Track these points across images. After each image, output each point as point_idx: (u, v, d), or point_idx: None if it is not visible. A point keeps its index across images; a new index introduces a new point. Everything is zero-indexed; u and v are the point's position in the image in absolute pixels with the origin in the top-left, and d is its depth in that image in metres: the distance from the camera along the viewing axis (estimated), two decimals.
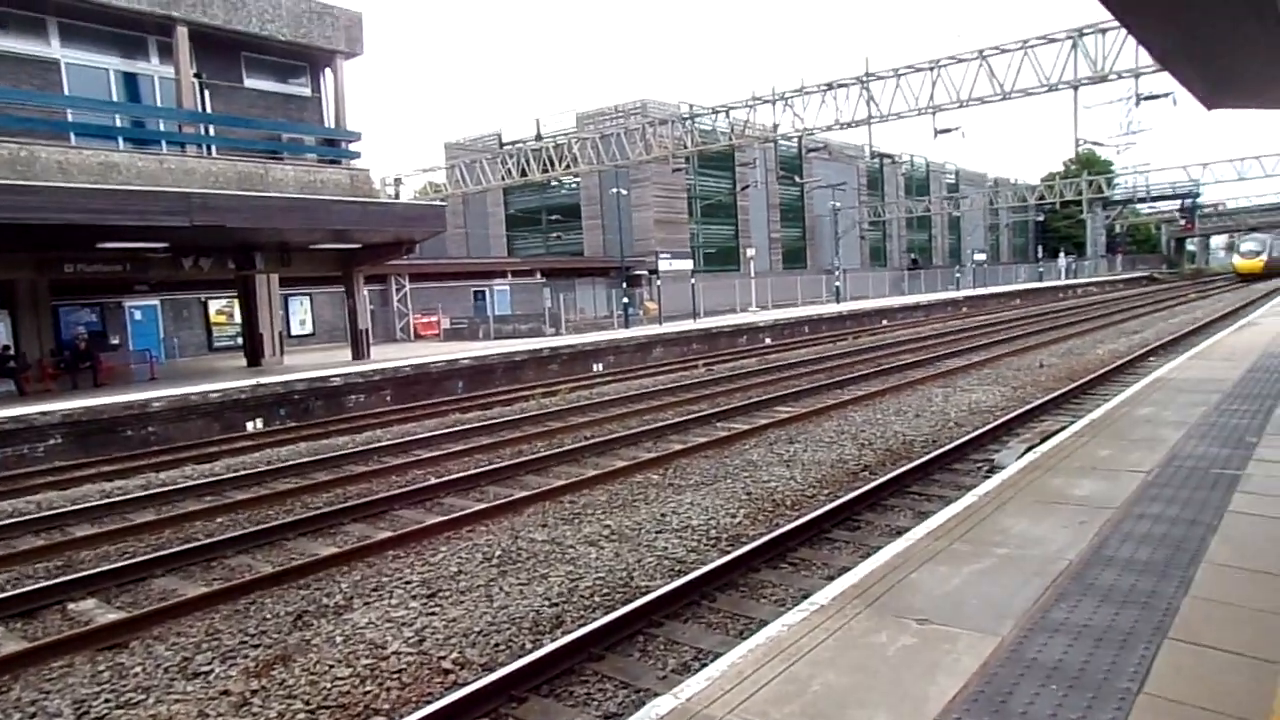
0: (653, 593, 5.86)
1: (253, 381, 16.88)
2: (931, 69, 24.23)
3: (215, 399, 15.96)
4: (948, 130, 25.60)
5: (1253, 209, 77.39)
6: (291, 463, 11.89)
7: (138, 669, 5.37)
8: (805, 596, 5.90)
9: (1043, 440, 8.54)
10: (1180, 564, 4.37)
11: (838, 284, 47.26)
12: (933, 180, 71.77)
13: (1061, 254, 72.50)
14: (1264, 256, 60.34)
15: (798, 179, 54.14)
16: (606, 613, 5.69)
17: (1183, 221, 75.56)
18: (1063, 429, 8.56)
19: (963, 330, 29.76)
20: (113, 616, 6.30)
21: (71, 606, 6.64)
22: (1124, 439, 7.50)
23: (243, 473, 11.37)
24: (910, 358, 20.91)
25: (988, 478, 8.22)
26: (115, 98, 19.87)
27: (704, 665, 4.97)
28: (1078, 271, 72.60)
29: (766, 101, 27.67)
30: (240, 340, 25.48)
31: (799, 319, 33.46)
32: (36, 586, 6.93)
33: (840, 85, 25.93)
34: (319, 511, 8.91)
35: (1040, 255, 74.30)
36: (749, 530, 7.64)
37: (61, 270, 18.03)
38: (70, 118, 18.66)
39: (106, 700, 4.96)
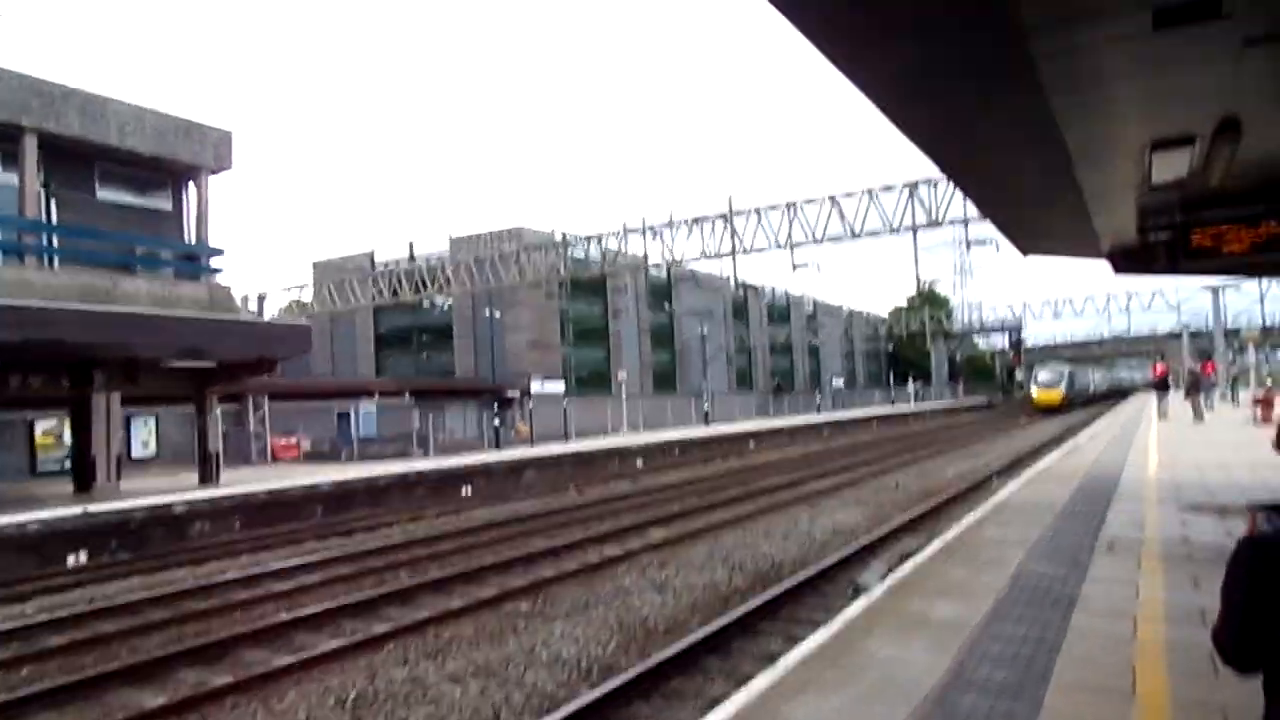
0: None
1: (79, 509, 15.36)
2: (788, 208, 26.23)
3: (33, 530, 14.36)
4: (804, 265, 27.56)
5: (1067, 344, 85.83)
6: (120, 601, 10.75)
7: None
8: None
9: (902, 560, 8.90)
10: (1032, 684, 4.59)
11: (706, 407, 48.55)
12: (793, 309, 76.23)
13: (910, 380, 77.67)
14: (1061, 387, 56.41)
15: (667, 305, 56.23)
16: None
17: (1011, 354, 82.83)
18: (919, 550, 8.96)
19: (825, 452, 31.00)
20: None
21: None
22: (976, 560, 7.92)
23: (60, 614, 10.17)
24: (777, 479, 21.51)
25: (853, 598, 8.45)
26: None
27: None
28: (924, 397, 77.81)
29: (637, 232, 29.01)
30: (69, 464, 23.28)
31: (670, 441, 33.92)
32: None
33: (706, 220, 27.58)
34: (149, 657, 8.04)
35: (892, 381, 79.34)
36: (620, 660, 7.46)
37: None
38: None
39: None
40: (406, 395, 39.76)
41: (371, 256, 50.47)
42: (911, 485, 19.35)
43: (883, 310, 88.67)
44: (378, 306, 40.08)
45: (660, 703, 6.43)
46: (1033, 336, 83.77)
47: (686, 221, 28.06)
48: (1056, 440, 29.11)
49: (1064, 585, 6.74)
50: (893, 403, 71.45)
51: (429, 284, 33.12)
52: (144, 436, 29.44)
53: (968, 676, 4.71)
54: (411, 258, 46.90)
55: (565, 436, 34.93)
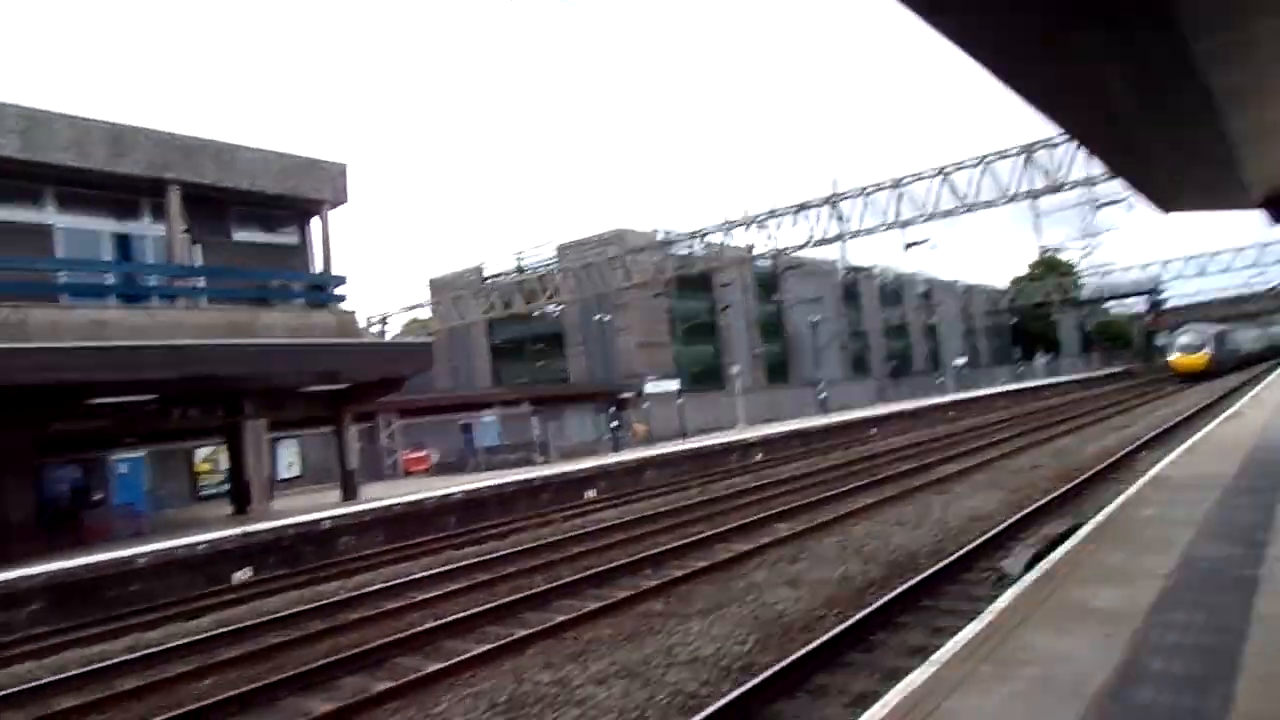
0: None
1: (239, 530, 16.52)
2: (895, 186, 25.41)
3: (201, 551, 15.56)
4: (917, 243, 26.60)
5: (1212, 302, 78.93)
6: (282, 614, 11.49)
7: None
8: None
9: (1049, 547, 8.47)
10: (1218, 676, 4.26)
11: (822, 396, 47.64)
12: (906, 289, 73.73)
13: (1038, 354, 73.79)
14: (1206, 350, 51.17)
15: (775, 295, 55.47)
16: None
17: (1149, 318, 77.19)
18: (1069, 534, 8.50)
19: (952, 435, 29.87)
20: None
21: None
22: (1134, 542, 7.44)
23: (231, 628, 10.97)
24: (904, 466, 20.89)
25: (997, 587, 8.10)
26: (108, 257, 20.32)
27: None
28: (1055, 370, 73.75)
29: (740, 225, 28.75)
30: (227, 487, 25.08)
31: (788, 433, 33.49)
32: None
33: (810, 206, 27.06)
34: (313, 665, 8.56)
35: (1018, 356, 75.58)
36: (760, 658, 7.41)
37: (47, 429, 17.90)
38: (64, 279, 19.01)
39: None
40: (525, 404, 40.80)
41: (481, 270, 52.02)
42: (1049, 465, 18.40)
43: (1003, 281, 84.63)
44: (491, 318, 41.29)
45: (805, 699, 6.36)
46: (1175, 296, 77.89)
47: (790, 209, 27.62)
48: (1209, 408, 27.03)
49: (1241, 567, 6.24)
50: (1020, 378, 68.12)
51: (539, 293, 33.91)
52: (289, 458, 31.40)
53: (1142, 669, 4.42)
54: (520, 269, 48.08)
55: (682, 434, 35.02)
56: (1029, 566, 7.75)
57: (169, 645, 10.38)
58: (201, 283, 21.14)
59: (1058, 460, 19.15)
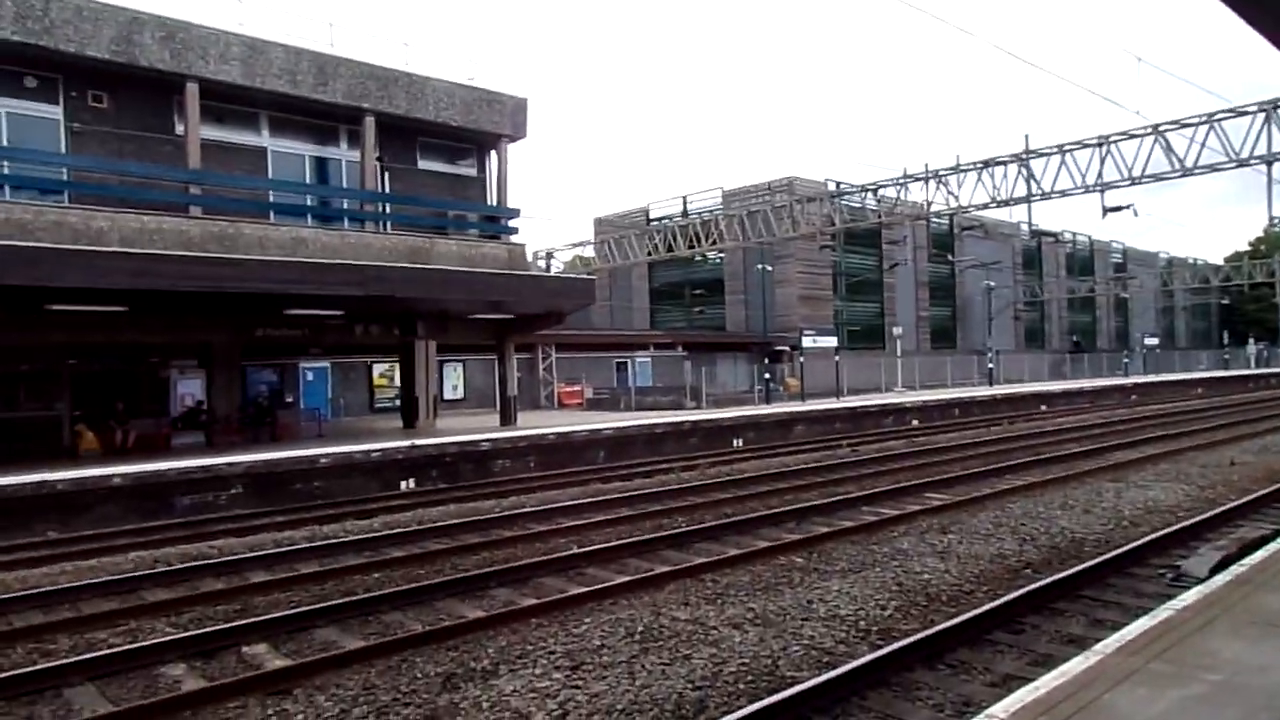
0: (800, 684, 5.60)
1: (408, 443, 17.78)
2: (1100, 145, 23.16)
3: (375, 458, 16.90)
4: (1118, 208, 24.24)
5: None
6: (441, 524, 12.34)
7: (300, 717, 5.62)
8: (965, 703, 5.50)
9: (1243, 551, 7.67)
10: None
11: (990, 365, 45.08)
12: (1098, 259, 67.87)
13: (1251, 340, 66.17)
14: None
15: (949, 257, 52.58)
16: (752, 701, 5.48)
17: None
18: (1272, 537, 7.65)
19: (1135, 420, 27.53)
20: (280, 663, 6.65)
21: (245, 650, 7.07)
22: None
23: (397, 530, 11.90)
24: (1075, 447, 19.50)
25: (1175, 587, 7.46)
26: (308, 180, 22.02)
27: None
28: (1270, 360, 65.90)
29: (918, 179, 27.25)
30: (398, 402, 27.02)
31: (948, 401, 32.02)
32: (216, 629, 7.44)
33: (998, 163, 25.21)
34: (467, 574, 9.15)
35: (1226, 341, 68.07)
36: (900, 625, 7.23)
37: (253, 334, 19.84)
38: (271, 199, 20.80)
39: None
40: (679, 347, 41.16)
41: (647, 212, 52.41)
42: (1251, 462, 16.59)
43: (1214, 256, 76.12)
44: (653, 261, 41.63)
45: (946, 672, 6.14)
46: None
47: (975, 165, 25.84)
48: None
49: None
50: (1225, 365, 61.48)
51: (702, 238, 33.75)
52: (454, 381, 33.38)
53: None
54: (685, 213, 48.02)
55: (836, 392, 34.24)
56: (1216, 570, 7.07)
57: (343, 539, 11.41)
58: (387, 208, 22.52)
59: (1262, 458, 17.24)
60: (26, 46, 16.71)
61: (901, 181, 27.98)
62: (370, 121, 21.14)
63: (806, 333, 35.52)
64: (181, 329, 18.98)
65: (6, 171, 17.23)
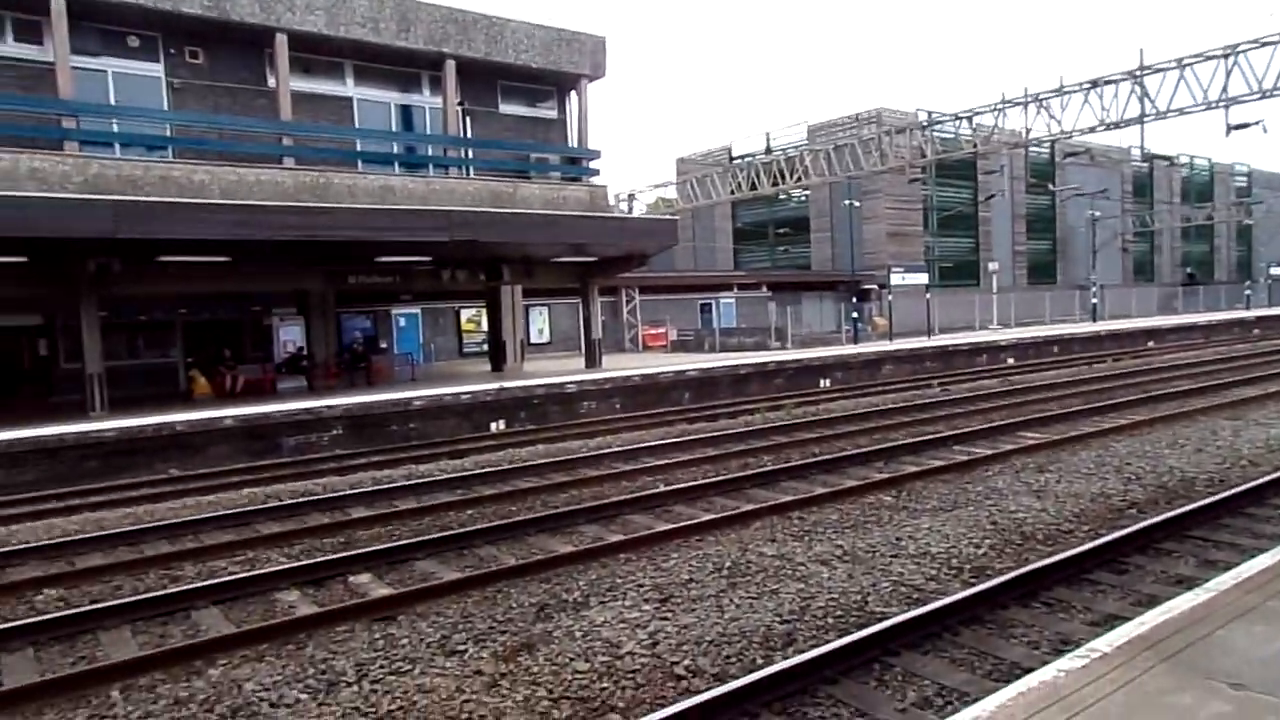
0: (890, 619, 5.56)
1: (496, 385, 18.21)
2: (1226, 57, 21.29)
3: (465, 400, 17.39)
4: (1244, 125, 22.36)
5: None
6: (531, 463, 12.64)
7: (405, 641, 5.92)
8: (1063, 641, 5.36)
9: None
10: None
11: (1094, 300, 42.92)
12: (1218, 184, 63.13)
13: None
14: None
15: (1050, 186, 49.82)
16: (841, 635, 5.48)
17: None
18: None
19: (1255, 355, 25.87)
20: (384, 591, 7.00)
21: (351, 579, 7.46)
22: None
23: (488, 470, 12.26)
24: (1187, 384, 18.48)
25: None
26: (393, 128, 22.36)
27: (948, 703, 4.65)
28: None
29: (1017, 104, 25.73)
30: (486, 346, 27.63)
31: (1047, 338, 30.72)
32: (324, 559, 7.87)
33: (1108, 81, 23.52)
34: (556, 511, 9.38)
35: None
36: (994, 563, 7.07)
37: (346, 281, 20.51)
38: (358, 147, 21.23)
39: (380, 666, 5.51)
40: (764, 288, 40.60)
41: (729, 150, 51.30)
42: None
43: None
44: (736, 200, 40.89)
45: (1042, 610, 5.99)
46: None
47: (1080, 86, 24.17)
48: None
49: None
50: None
51: (786, 175, 32.87)
52: (540, 325, 33.87)
53: None
54: (768, 149, 46.79)
55: (927, 331, 33.27)
56: None
57: (438, 478, 11.83)
58: (470, 154, 22.71)
59: None
60: (127, 6, 17.35)
61: (999, 107, 26.46)
62: (451, 66, 21.22)
63: (895, 270, 34.47)
64: (279, 277, 19.79)
65: (116, 129, 18.07)
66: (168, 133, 18.76)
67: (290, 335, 22.46)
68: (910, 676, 5.02)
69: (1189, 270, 61.16)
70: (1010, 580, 6.21)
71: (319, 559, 7.89)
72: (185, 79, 18.98)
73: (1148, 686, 3.34)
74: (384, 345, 27.60)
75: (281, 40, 18.81)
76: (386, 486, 11.35)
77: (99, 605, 6.81)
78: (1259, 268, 63.30)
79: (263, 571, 7.58)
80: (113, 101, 18.18)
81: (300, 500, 10.70)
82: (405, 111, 22.55)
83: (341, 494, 10.97)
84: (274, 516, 10.06)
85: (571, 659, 5.41)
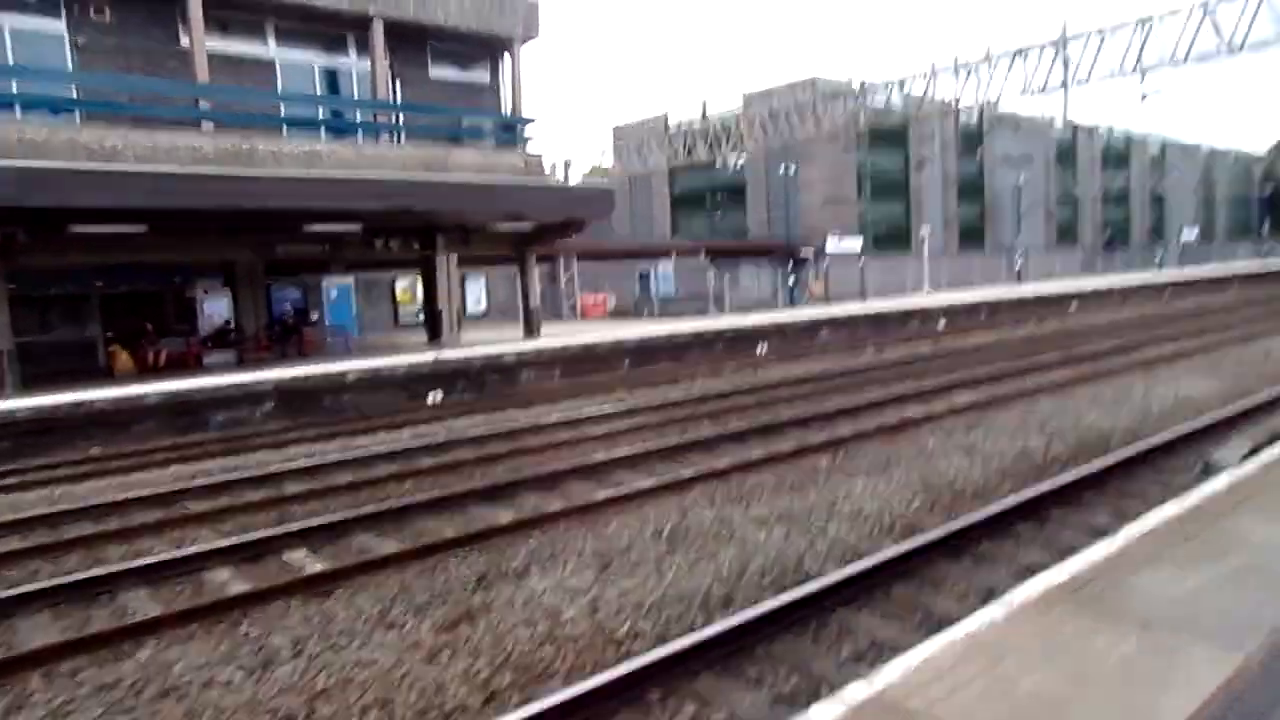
0: (825, 578, 5.70)
1: (433, 356, 17.93)
2: (1140, 25, 21.97)
3: (402, 372, 17.09)
4: (1156, 92, 23.18)
5: None
6: (470, 434, 12.52)
7: (342, 616, 5.83)
8: (988, 592, 5.57)
9: (1275, 439, 7.59)
10: None
11: (1019, 265, 44.27)
12: (1134, 152, 65.47)
13: None
14: None
15: (978, 153, 50.94)
16: (778, 594, 5.59)
17: None
18: None
19: (1166, 316, 27.08)
20: (320, 567, 6.88)
21: (286, 556, 7.31)
22: None
23: (427, 442, 12.10)
24: (1105, 344, 19.26)
25: (1204, 478, 7.42)
26: (319, 92, 21.57)
27: (880, 655, 4.80)
28: None
29: (947, 71, 26.17)
30: (422, 317, 27.15)
31: (976, 302, 31.58)
32: (257, 536, 7.67)
33: (1031, 49, 24.07)
34: (497, 482, 9.32)
35: (1266, 233, 66.09)
36: (925, 520, 7.30)
37: (274, 251, 19.84)
38: (283, 112, 20.43)
39: (317, 641, 5.42)
40: (702, 255, 40.73)
41: (665, 118, 51.03)
42: None
43: (1259, 147, 73.13)
44: (673, 168, 40.81)
45: (968, 563, 6.22)
46: None
47: (1007, 54, 24.70)
48: None
49: None
50: (1265, 256, 59.86)
51: (722, 142, 32.91)
52: (477, 294, 33.44)
53: None
54: (704, 117, 46.68)
55: (861, 296, 33.90)
56: (1247, 458, 7.01)
57: (375, 451, 11.64)
58: (400, 119, 22.08)
59: None
60: None
61: (930, 75, 26.89)
62: (379, 26, 20.52)
63: (831, 236, 34.94)
64: (203, 248, 19.03)
65: (16, 91, 17.02)
66: (74, 95, 17.75)
67: (216, 308, 21.68)
68: (844, 632, 5.16)
69: (1109, 234, 63.48)
70: (939, 537, 6.42)
71: (252, 536, 7.70)
72: (91, 37, 17.93)
73: (1065, 631, 3.49)
74: (315, 317, 26.88)
75: None
76: (321, 461, 11.11)
77: (15, 591, 6.53)
78: (1171, 229, 66.11)
79: (193, 551, 7.36)
80: (10, 61, 17.10)
81: (232, 478, 10.41)
82: (331, 75, 21.77)
83: (275, 470, 10.70)
84: (204, 494, 9.77)
85: (512, 627, 5.42)
